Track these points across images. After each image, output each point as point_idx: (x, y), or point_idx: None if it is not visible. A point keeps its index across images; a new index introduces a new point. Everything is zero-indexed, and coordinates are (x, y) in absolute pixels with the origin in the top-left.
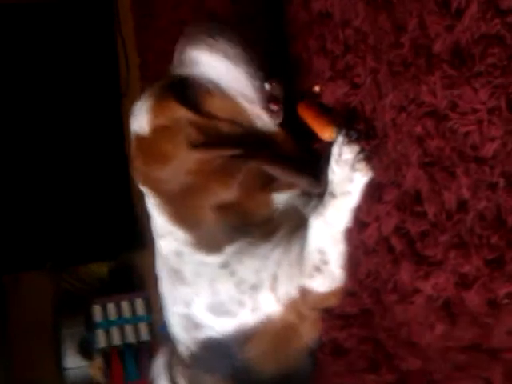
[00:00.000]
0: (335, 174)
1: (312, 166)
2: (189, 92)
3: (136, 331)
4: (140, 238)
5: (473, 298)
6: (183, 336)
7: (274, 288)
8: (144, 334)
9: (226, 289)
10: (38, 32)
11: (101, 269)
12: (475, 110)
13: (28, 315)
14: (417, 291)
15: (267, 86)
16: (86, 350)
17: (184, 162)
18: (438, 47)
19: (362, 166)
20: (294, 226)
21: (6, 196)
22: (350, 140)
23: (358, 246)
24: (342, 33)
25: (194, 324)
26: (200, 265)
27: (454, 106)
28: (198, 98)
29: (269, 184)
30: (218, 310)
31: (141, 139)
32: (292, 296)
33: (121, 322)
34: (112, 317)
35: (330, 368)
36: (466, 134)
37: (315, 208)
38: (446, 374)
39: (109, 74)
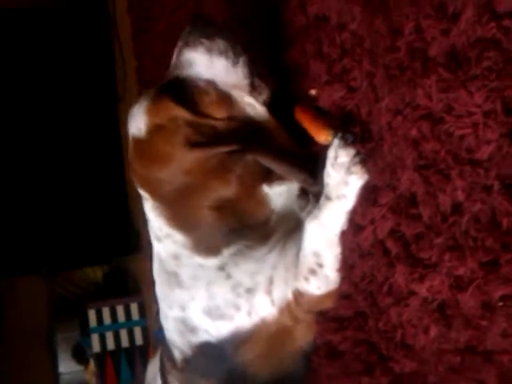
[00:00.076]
0: (331, 178)
1: (306, 160)
2: (185, 92)
3: (130, 336)
4: (135, 242)
5: (468, 301)
6: (178, 340)
7: (269, 291)
8: (138, 339)
9: (222, 292)
10: (35, 36)
11: (95, 273)
12: (471, 113)
13: (23, 320)
14: (412, 294)
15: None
16: (81, 354)
17: (182, 162)
18: (433, 51)
19: (357, 169)
20: (290, 229)
21: (1, 201)
22: (346, 143)
23: (353, 248)
24: (339, 36)
25: (189, 328)
26: (197, 268)
27: (449, 109)
28: (195, 98)
29: (265, 177)
30: (214, 313)
31: (138, 141)
32: (287, 299)
33: (115, 326)
34: (107, 321)
35: (324, 371)
36: (462, 136)
37: (311, 211)
38: (441, 376)
39: (106, 78)
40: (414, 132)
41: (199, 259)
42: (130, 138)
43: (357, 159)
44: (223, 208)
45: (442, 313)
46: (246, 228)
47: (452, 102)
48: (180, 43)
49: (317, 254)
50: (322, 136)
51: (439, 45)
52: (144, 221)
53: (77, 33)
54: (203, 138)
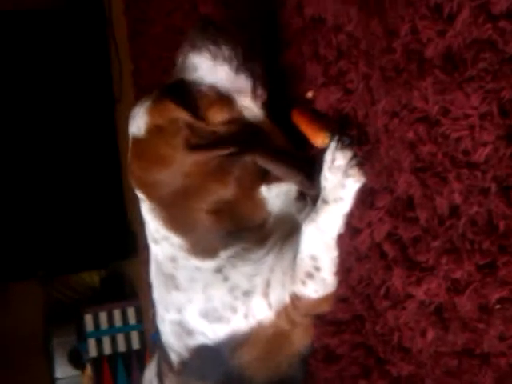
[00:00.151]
0: (328, 180)
1: (304, 163)
2: (187, 95)
3: (127, 340)
4: (131, 246)
5: (465, 304)
6: (175, 343)
7: (266, 294)
8: (135, 343)
9: (219, 294)
10: (31, 38)
11: (92, 278)
12: (467, 116)
13: (19, 324)
14: (409, 297)
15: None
16: (77, 359)
17: (181, 164)
18: (429, 52)
19: (354, 171)
20: (288, 231)
21: None
22: (343, 146)
23: (350, 252)
24: (335, 38)
25: (186, 330)
26: (194, 270)
27: (445, 112)
28: (197, 102)
29: (263, 179)
30: (211, 315)
31: (137, 141)
32: (284, 302)
33: (112, 331)
34: (103, 326)
35: (322, 374)
36: (458, 139)
37: (308, 214)
38: (438, 379)
39: (102, 80)
40: (410, 134)
41: (196, 261)
42: (130, 138)
43: (354, 162)
44: (221, 211)
45: (439, 316)
46: (243, 230)
47: (448, 104)
48: (186, 46)
49: (314, 258)
50: (318, 139)
51: (435, 46)
52: (141, 225)
53: (73, 34)
54: (203, 140)
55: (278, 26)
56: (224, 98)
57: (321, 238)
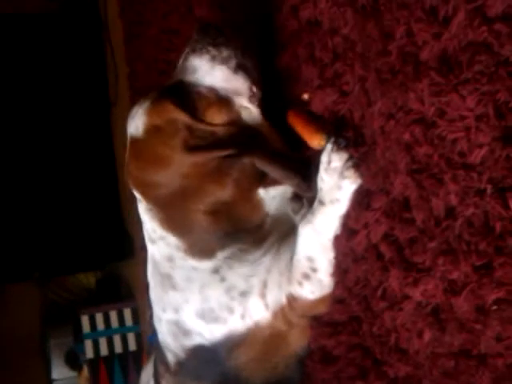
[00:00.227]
0: (324, 182)
1: (300, 165)
2: (186, 97)
3: (124, 341)
4: (128, 248)
5: (461, 305)
6: (171, 343)
7: (263, 295)
8: (132, 344)
9: (216, 295)
10: (27, 41)
11: (88, 279)
12: (463, 117)
13: (16, 326)
14: (406, 298)
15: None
16: (74, 360)
17: (179, 165)
18: (425, 55)
19: (350, 173)
20: (285, 232)
21: None
22: (339, 147)
23: (346, 253)
24: (331, 41)
25: (183, 331)
26: (191, 270)
27: (441, 113)
28: (195, 104)
29: (261, 181)
30: (208, 316)
31: (135, 142)
32: (281, 303)
33: (109, 332)
34: (100, 327)
35: (319, 375)
36: (454, 140)
37: (304, 215)
38: (435, 380)
39: (98, 83)
40: (406, 136)
41: (193, 262)
42: (128, 138)
43: (350, 163)
44: (218, 212)
45: (436, 317)
46: (240, 231)
47: (444, 106)
48: (187, 49)
49: (310, 259)
50: (314, 140)
51: (431, 49)
52: (137, 226)
53: (69, 38)
54: (201, 142)
55: (273, 28)
56: (223, 100)
57: (317, 240)
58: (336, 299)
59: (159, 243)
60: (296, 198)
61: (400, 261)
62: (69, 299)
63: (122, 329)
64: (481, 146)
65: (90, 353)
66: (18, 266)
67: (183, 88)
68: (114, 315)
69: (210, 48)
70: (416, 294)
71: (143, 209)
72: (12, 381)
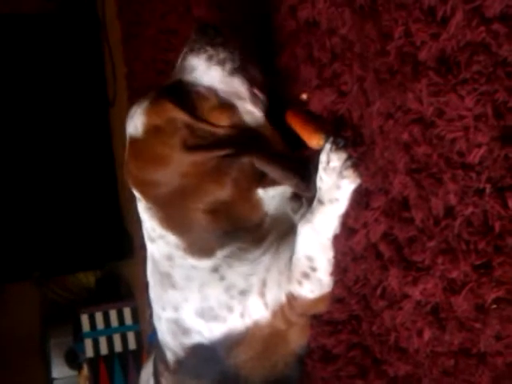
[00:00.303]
0: (323, 182)
1: (300, 165)
2: (186, 96)
3: (124, 340)
4: (127, 247)
5: (461, 304)
6: (171, 341)
7: (262, 293)
8: (132, 344)
9: (215, 293)
10: (25, 41)
11: (88, 278)
12: (461, 117)
13: (15, 326)
14: (405, 297)
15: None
16: (74, 359)
17: (178, 164)
18: (423, 55)
19: (349, 173)
20: (284, 231)
21: None
22: (338, 147)
23: (346, 252)
24: (329, 41)
25: (182, 329)
26: (190, 269)
27: (440, 113)
28: (195, 103)
29: (260, 180)
30: (207, 314)
31: (135, 141)
32: (280, 302)
33: (108, 331)
34: (100, 326)
35: (318, 374)
36: (453, 140)
37: (304, 215)
38: (435, 379)
39: (96, 83)
40: (405, 136)
41: (193, 261)
42: (127, 138)
43: (349, 163)
44: (218, 211)
45: (436, 316)
46: (240, 230)
47: (443, 106)
48: (185, 49)
49: (310, 258)
50: (313, 140)
51: (429, 49)
52: (137, 225)
53: (67, 38)
54: (200, 141)
55: (271, 28)
56: (225, 104)
57: (317, 239)
58: (335, 298)
59: (159, 242)
60: (295, 197)
61: (399, 260)
62: (68, 298)
63: (122, 328)
64: (479, 146)
65: (89, 352)
66: (17, 265)
67: (182, 87)
68: (113, 314)
69: (208, 48)
70: (415, 292)
71: (142, 208)
72: (12, 380)
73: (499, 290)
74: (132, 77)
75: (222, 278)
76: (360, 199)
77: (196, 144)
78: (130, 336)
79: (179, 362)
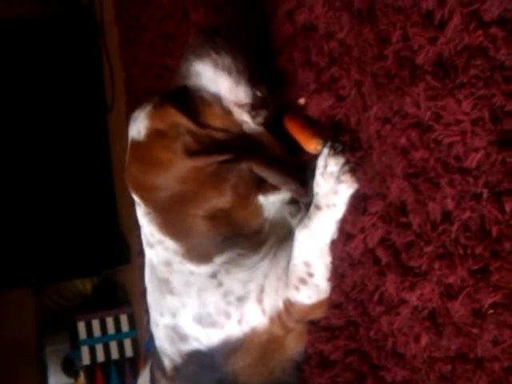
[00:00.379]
0: (320, 186)
1: (298, 170)
2: (190, 102)
3: (120, 348)
4: (124, 254)
5: (458, 309)
6: (168, 348)
7: (260, 300)
8: (128, 351)
9: (213, 300)
10: (23, 46)
11: (84, 285)
12: (459, 121)
13: (12, 333)
14: (402, 302)
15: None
16: (71, 367)
17: (179, 169)
18: (421, 59)
19: (347, 177)
20: (282, 236)
21: None
22: (335, 152)
23: (343, 257)
24: (327, 45)
25: (180, 336)
26: (189, 275)
27: (437, 118)
28: (198, 109)
29: (259, 187)
30: (205, 321)
31: (137, 145)
32: (278, 308)
33: (105, 338)
34: (96, 333)
35: (316, 380)
36: (450, 144)
37: (301, 220)
38: None
39: (94, 88)
40: (402, 140)
41: (191, 266)
42: (129, 141)
43: (346, 168)
44: (217, 217)
45: (433, 321)
46: (239, 237)
47: (440, 110)
48: (190, 54)
49: (307, 264)
50: (311, 145)
51: (426, 53)
52: (134, 232)
53: (65, 43)
54: (202, 147)
55: (269, 33)
56: (225, 108)
57: (314, 244)
58: (333, 304)
59: (157, 247)
60: (293, 201)
61: (396, 265)
62: (65, 305)
63: (119, 335)
64: (477, 150)
65: (86, 359)
66: (14, 272)
67: (186, 93)
68: (110, 321)
69: (212, 53)
70: (413, 298)
71: (141, 212)
72: None
73: (496, 294)
74: (130, 81)
75: (220, 284)
76: (357, 204)
77: (197, 149)
78: (127, 343)
79: (176, 369)
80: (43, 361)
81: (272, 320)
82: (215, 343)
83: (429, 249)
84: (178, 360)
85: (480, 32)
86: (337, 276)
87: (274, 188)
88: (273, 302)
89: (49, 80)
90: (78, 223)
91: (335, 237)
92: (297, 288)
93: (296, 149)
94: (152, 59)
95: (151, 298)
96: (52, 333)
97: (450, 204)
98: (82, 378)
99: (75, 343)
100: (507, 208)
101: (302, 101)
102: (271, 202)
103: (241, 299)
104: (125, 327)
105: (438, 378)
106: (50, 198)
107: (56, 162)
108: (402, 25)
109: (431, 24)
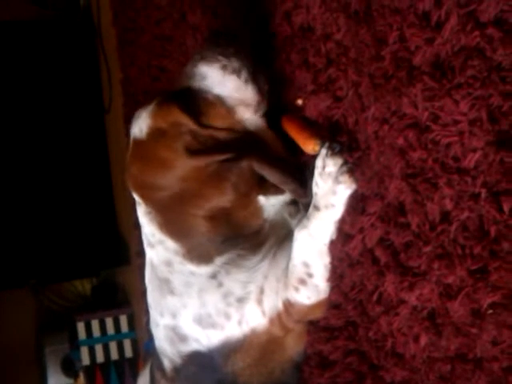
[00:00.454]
0: (319, 187)
1: (298, 170)
2: (193, 102)
3: (120, 348)
4: (123, 254)
5: (457, 309)
6: (168, 349)
7: (260, 301)
8: (128, 351)
9: (213, 300)
10: (20, 49)
11: (84, 286)
12: (456, 122)
13: (11, 333)
14: (402, 302)
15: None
16: (70, 367)
17: (180, 168)
18: (418, 60)
19: (345, 178)
20: (282, 237)
21: None
22: (333, 153)
23: (342, 258)
24: (324, 46)
25: (179, 336)
26: (189, 275)
27: (435, 118)
28: (201, 109)
29: (260, 187)
30: (205, 321)
31: (138, 143)
32: (277, 309)
33: (105, 339)
34: (96, 334)
35: (315, 381)
36: (448, 145)
37: (300, 220)
38: None
39: (91, 90)
40: (400, 141)
41: (191, 266)
42: (131, 140)
43: (344, 168)
44: (217, 217)
45: (432, 321)
46: (239, 237)
47: (438, 111)
48: (197, 56)
49: (306, 264)
50: (309, 146)
51: (423, 54)
52: (132, 233)
53: (62, 45)
54: (203, 147)
55: (266, 34)
56: (229, 108)
57: (313, 245)
58: (332, 304)
59: (158, 247)
60: (293, 201)
61: (395, 265)
62: (64, 306)
63: (118, 335)
64: (474, 151)
65: (86, 360)
66: (13, 272)
67: (189, 94)
68: (109, 322)
69: (220, 57)
70: (412, 298)
71: (142, 212)
72: None
73: (495, 294)
74: (127, 83)
75: (220, 285)
76: (356, 204)
77: (198, 149)
78: (127, 344)
79: (176, 370)
80: (43, 361)
81: (272, 321)
82: (215, 344)
83: (427, 249)
84: (178, 361)
85: (477, 33)
86: (336, 276)
87: (274, 189)
88: (272, 302)
89: (47, 82)
90: (77, 224)
91: (334, 237)
92: (296, 288)
93: (294, 149)
94: (149, 61)
95: (151, 297)
96: (51, 333)
97: (448, 204)
98: (81, 378)
99: (75, 344)
100: (505, 208)
101: (299, 102)
102: (271, 204)
103: (241, 300)
104: (124, 328)
105: (437, 378)
106: (48, 199)
107: (54, 164)
108: (399, 26)
109: (428, 25)
